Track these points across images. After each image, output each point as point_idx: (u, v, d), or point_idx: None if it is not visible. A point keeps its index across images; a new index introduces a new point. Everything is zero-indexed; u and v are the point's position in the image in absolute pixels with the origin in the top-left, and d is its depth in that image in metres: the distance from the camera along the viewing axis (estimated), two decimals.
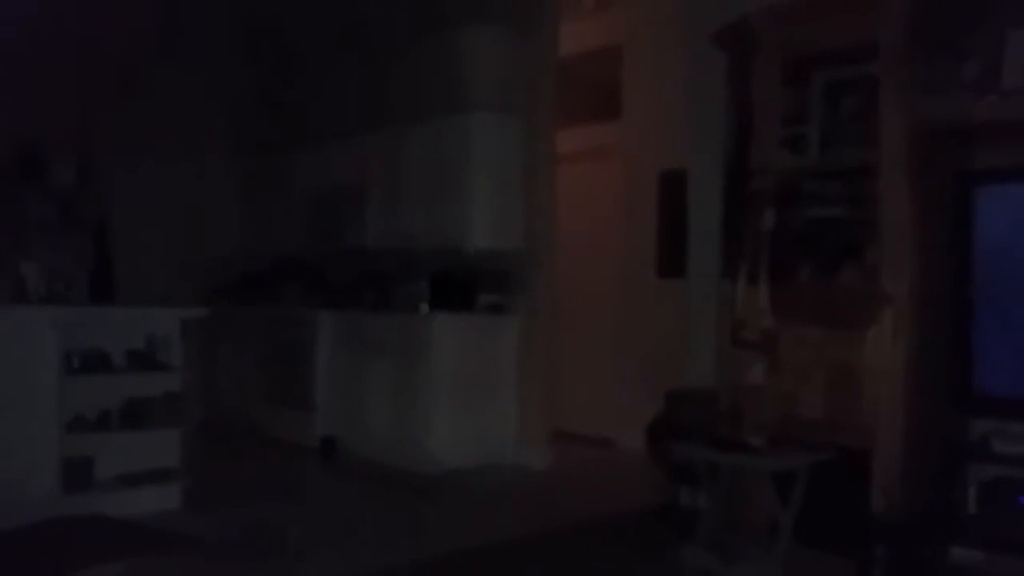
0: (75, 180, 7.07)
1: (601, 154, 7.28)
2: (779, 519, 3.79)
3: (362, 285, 7.09)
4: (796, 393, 4.07)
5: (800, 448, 3.85)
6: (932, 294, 3.81)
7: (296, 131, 7.66)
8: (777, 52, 4.36)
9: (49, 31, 6.84)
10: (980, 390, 3.64)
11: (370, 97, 6.92)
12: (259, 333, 7.26)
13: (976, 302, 3.64)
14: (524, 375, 6.17)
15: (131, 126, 7.27)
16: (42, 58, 6.77)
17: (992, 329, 3.61)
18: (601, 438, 6.95)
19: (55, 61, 6.83)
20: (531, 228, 6.19)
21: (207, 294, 7.37)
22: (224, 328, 7.35)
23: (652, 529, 4.61)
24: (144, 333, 4.90)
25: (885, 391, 3.78)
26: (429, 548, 4.33)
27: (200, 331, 5.90)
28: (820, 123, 4.33)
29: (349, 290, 7.15)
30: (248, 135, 8.21)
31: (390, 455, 6.03)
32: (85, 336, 4.64)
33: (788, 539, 3.77)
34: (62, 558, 3.91)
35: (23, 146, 6.80)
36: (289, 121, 7.76)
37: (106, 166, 7.15)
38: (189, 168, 7.75)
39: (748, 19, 4.44)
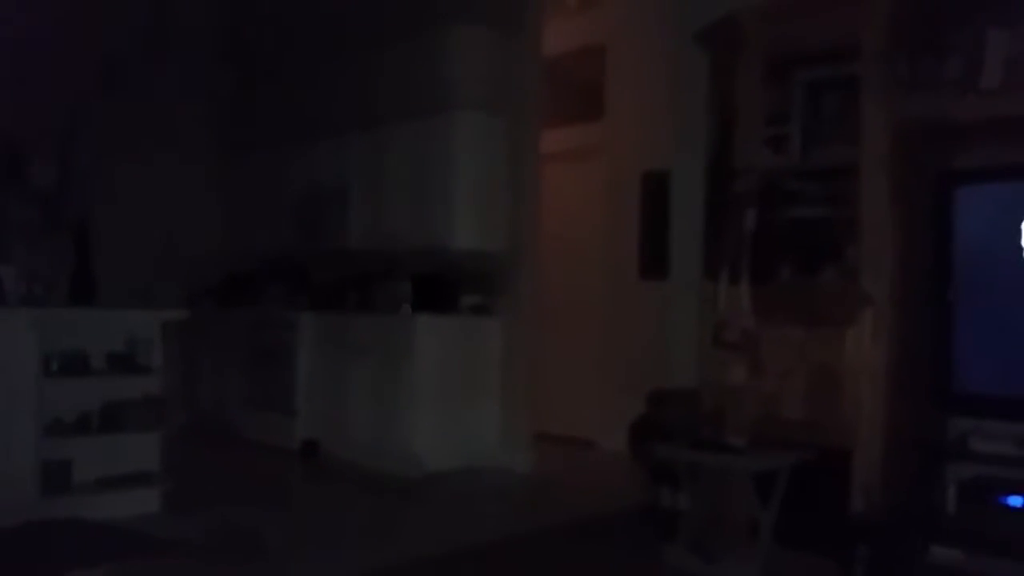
0: (56, 180, 7.03)
1: (584, 154, 7.27)
2: (760, 519, 3.79)
3: (345, 286, 7.06)
4: (777, 393, 4.06)
5: (781, 448, 3.85)
6: (912, 293, 3.82)
7: (279, 131, 7.62)
8: (760, 51, 4.37)
9: (30, 29, 6.80)
10: (959, 389, 3.65)
11: (354, 97, 6.89)
12: (241, 335, 7.22)
13: (955, 301, 3.65)
14: (507, 377, 6.15)
15: (113, 126, 7.22)
16: (22, 57, 6.72)
17: (971, 328, 3.62)
18: (583, 440, 6.94)
19: (36, 60, 6.79)
20: (514, 229, 6.17)
21: (188, 296, 7.33)
22: (205, 330, 7.31)
23: (634, 530, 4.60)
24: (124, 335, 4.85)
25: (865, 391, 3.80)
26: (411, 551, 4.30)
27: (181, 333, 5.88)
28: (802, 122, 4.34)
29: (332, 291, 7.12)
30: (231, 135, 8.17)
31: (372, 458, 6.00)
32: (64, 338, 4.58)
33: (769, 539, 3.77)
34: (40, 563, 3.87)
35: (3, 146, 6.74)
36: (272, 120, 7.73)
37: (87, 166, 7.10)
38: (171, 168, 7.69)
39: (731, 19, 4.45)
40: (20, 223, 6.65)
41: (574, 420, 7.02)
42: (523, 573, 4.04)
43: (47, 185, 7.02)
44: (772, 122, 4.41)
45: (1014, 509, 3.39)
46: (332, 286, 7.19)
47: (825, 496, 3.78)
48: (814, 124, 4.32)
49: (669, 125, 6.01)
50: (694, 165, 5.07)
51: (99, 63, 7.16)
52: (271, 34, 8.07)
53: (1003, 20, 3.67)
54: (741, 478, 3.86)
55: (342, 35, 7.31)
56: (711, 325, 4.30)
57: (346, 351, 6.31)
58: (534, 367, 6.15)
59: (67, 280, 4.94)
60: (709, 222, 4.71)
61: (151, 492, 4.74)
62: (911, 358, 3.81)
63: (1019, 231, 3.53)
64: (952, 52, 3.80)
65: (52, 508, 4.34)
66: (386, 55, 6.61)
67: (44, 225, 6.63)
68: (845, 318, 3.90)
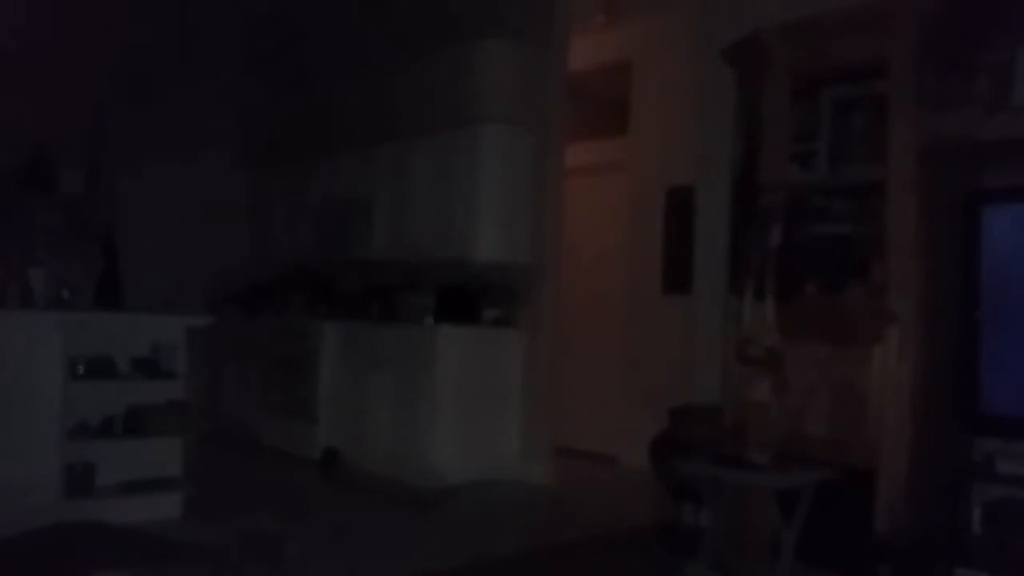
0: (83, 187, 7.10)
1: (608, 169, 7.28)
2: (782, 537, 3.76)
3: (368, 297, 7.09)
4: (801, 410, 4.04)
5: (805, 466, 3.82)
6: (939, 312, 3.79)
7: (305, 142, 7.68)
8: (787, 68, 4.36)
9: (59, 38, 6.88)
10: (986, 409, 3.61)
11: (379, 109, 6.94)
12: (264, 343, 7.25)
13: (983, 320, 3.62)
14: (528, 389, 6.15)
15: (140, 134, 7.30)
16: (52, 65, 6.80)
17: (999, 348, 3.59)
18: (604, 455, 6.92)
19: (65, 68, 6.87)
20: (538, 242, 6.18)
21: (213, 303, 7.39)
22: (229, 337, 7.35)
23: (654, 546, 4.58)
24: (149, 340, 4.90)
25: (891, 409, 3.76)
26: (429, 562, 4.30)
27: (205, 340, 5.91)
28: (829, 139, 4.32)
29: (355, 301, 7.15)
30: (257, 145, 8.25)
31: (392, 468, 6.01)
32: (90, 342, 4.63)
33: (791, 558, 3.74)
34: (60, 566, 3.89)
35: (32, 153, 6.83)
36: (298, 132, 7.79)
37: (114, 174, 7.17)
38: (197, 177, 7.77)
39: (758, 35, 4.44)
40: (48, 228, 6.73)
41: (596, 435, 7.00)
42: None
43: (74, 191, 7.10)
44: (799, 139, 4.40)
45: None
46: (355, 296, 7.22)
47: (848, 515, 3.75)
48: (841, 141, 4.30)
49: (694, 141, 5.99)
50: (719, 181, 5.05)
51: (126, 71, 7.24)
52: (298, 46, 8.13)
53: None
54: (765, 495, 3.83)
55: (368, 48, 7.36)
56: (735, 341, 4.28)
57: (368, 361, 6.33)
58: (555, 381, 6.15)
59: (94, 285, 4.99)
60: (734, 238, 4.70)
61: (173, 497, 4.78)
62: (937, 377, 3.78)
63: None
64: (981, 70, 3.78)
65: (75, 511, 4.36)
66: (411, 68, 6.66)
67: (71, 230, 6.70)
68: (871, 336, 3.87)
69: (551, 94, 6.22)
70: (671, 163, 6.59)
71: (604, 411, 6.99)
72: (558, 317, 6.20)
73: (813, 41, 4.25)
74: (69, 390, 4.46)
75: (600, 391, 7.08)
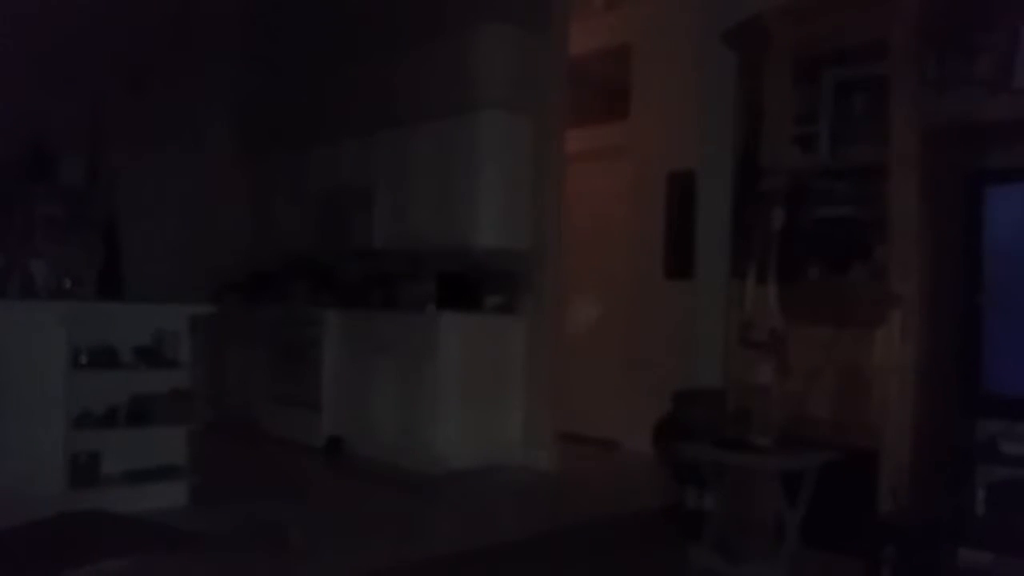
0: (84, 178, 7.10)
1: (609, 154, 7.26)
2: (786, 520, 3.77)
3: (370, 285, 7.09)
4: (804, 393, 4.04)
5: (808, 448, 3.83)
6: (941, 294, 3.79)
7: (305, 130, 7.67)
8: (788, 50, 4.34)
9: (58, 29, 6.86)
10: (990, 391, 3.61)
11: (379, 96, 6.92)
12: (266, 332, 7.26)
13: (986, 302, 3.62)
14: (530, 376, 6.15)
15: (140, 124, 7.29)
16: (52, 56, 6.79)
17: (1002, 329, 3.59)
18: (607, 440, 6.93)
19: (65, 59, 6.85)
20: (539, 228, 6.17)
21: (215, 292, 7.39)
22: (232, 326, 7.36)
23: (658, 530, 4.59)
24: (152, 329, 4.90)
25: (894, 391, 3.76)
26: (433, 547, 4.32)
27: (208, 329, 5.92)
28: (831, 122, 4.30)
29: (357, 289, 7.15)
30: (257, 134, 8.23)
31: (396, 455, 6.02)
32: (93, 332, 4.62)
33: (795, 540, 3.75)
34: (65, 555, 3.89)
35: (33, 144, 6.82)
36: (298, 120, 7.77)
37: (115, 164, 7.16)
38: (198, 166, 7.77)
39: (759, 18, 4.42)
40: (49, 218, 6.73)
41: (599, 420, 7.01)
42: (545, 572, 4.04)
43: (75, 182, 7.09)
44: (800, 121, 4.38)
45: None
46: (357, 284, 7.22)
47: (852, 497, 3.75)
48: (843, 123, 4.28)
49: (695, 125, 5.98)
50: (720, 164, 5.05)
51: (126, 62, 7.22)
52: (296, 34, 8.11)
53: None
54: (768, 478, 3.84)
55: (367, 34, 7.34)
56: (737, 325, 4.28)
57: (371, 348, 6.34)
58: (558, 366, 6.15)
59: (95, 274, 4.99)
60: (736, 221, 4.69)
61: (178, 486, 4.79)
62: (940, 359, 3.78)
63: None
64: (983, 51, 3.76)
65: (80, 501, 4.34)
66: (411, 54, 6.64)
67: (73, 221, 6.70)
68: (873, 318, 3.87)
69: (551, 79, 6.19)
70: (672, 147, 6.57)
71: (607, 396, 7.00)
72: (560, 303, 6.20)
73: (814, 23, 4.23)
74: (72, 380, 4.46)
75: (603, 376, 7.09)
